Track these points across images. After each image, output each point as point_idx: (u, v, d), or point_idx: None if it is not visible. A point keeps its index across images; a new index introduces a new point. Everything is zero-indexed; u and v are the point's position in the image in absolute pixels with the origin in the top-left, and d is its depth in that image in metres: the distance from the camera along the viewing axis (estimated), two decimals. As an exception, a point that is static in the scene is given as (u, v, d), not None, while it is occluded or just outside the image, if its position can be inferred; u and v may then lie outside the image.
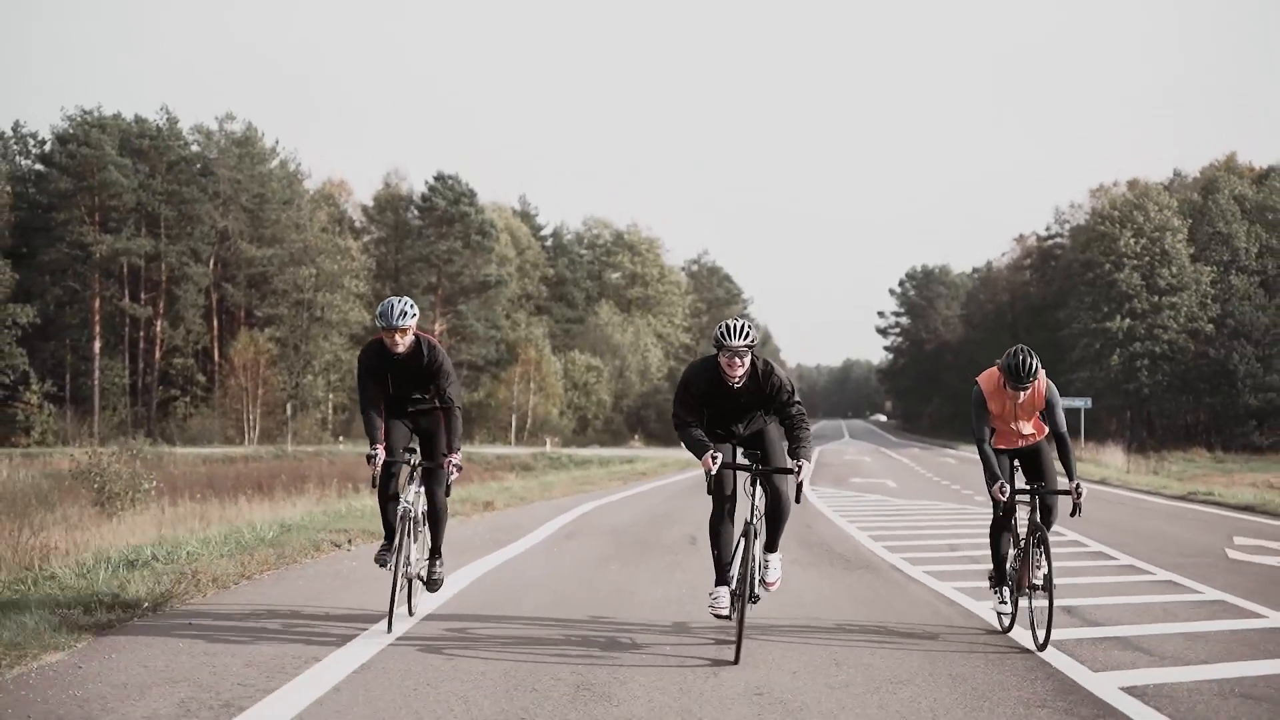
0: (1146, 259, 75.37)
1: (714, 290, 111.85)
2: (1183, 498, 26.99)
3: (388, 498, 8.29)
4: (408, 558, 8.25)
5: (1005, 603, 8.57)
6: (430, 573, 8.78)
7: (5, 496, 26.50)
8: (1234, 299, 74.27)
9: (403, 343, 8.17)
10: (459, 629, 8.39)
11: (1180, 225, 76.13)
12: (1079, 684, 7.03)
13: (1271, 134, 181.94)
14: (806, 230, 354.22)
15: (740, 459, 7.97)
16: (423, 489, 8.50)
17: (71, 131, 74.31)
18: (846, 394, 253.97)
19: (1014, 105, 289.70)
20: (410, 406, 8.52)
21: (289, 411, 68.93)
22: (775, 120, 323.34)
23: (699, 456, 7.64)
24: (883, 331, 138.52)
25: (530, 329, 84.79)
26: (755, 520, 7.77)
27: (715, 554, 7.83)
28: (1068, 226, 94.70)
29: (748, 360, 7.65)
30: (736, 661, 7.40)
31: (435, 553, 8.81)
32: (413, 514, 8.31)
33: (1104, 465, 47.95)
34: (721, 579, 7.77)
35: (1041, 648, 7.93)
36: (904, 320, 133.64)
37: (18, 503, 24.75)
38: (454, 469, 8.34)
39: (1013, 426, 8.55)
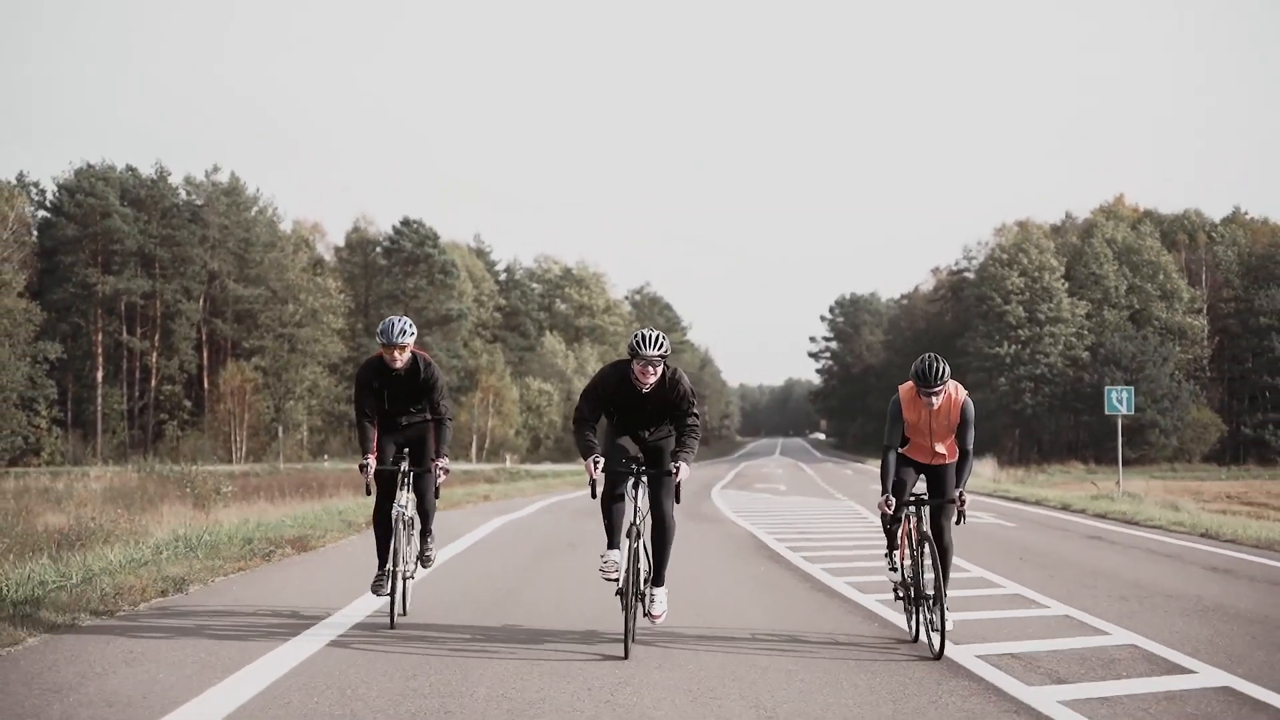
0: (1028, 295, 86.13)
1: (655, 319, 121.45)
2: (989, 494, 36.72)
3: (382, 512, 9.04)
4: (403, 558, 9.00)
5: (894, 568, 9.07)
6: (423, 550, 9.48)
7: (117, 500, 35.31)
8: (1106, 330, 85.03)
9: (401, 359, 8.82)
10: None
11: (1058, 265, 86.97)
12: (798, 565, 16.52)
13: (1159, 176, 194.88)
14: (756, 254, 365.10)
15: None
16: (413, 493, 9.20)
17: (76, 182, 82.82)
18: (788, 413, 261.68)
19: (953, 141, 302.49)
20: (403, 419, 9.14)
21: (280, 434, 77.64)
22: (722, 156, 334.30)
23: (584, 458, 8.10)
24: (814, 356, 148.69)
25: (491, 358, 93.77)
26: (639, 521, 8.14)
27: (606, 523, 8.27)
28: (974, 262, 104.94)
29: (660, 370, 8.07)
30: (626, 657, 7.83)
31: (426, 532, 9.47)
32: (406, 516, 8.97)
33: (974, 474, 58.03)
34: (612, 543, 8.21)
35: (938, 656, 8.07)
36: (833, 345, 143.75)
37: (132, 502, 33.52)
38: (441, 471, 9.10)
39: (927, 443, 8.70)
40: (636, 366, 8.03)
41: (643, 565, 8.21)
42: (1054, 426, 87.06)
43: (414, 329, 8.91)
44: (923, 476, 8.88)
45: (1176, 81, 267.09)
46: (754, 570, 13.82)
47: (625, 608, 7.99)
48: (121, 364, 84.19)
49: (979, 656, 8.16)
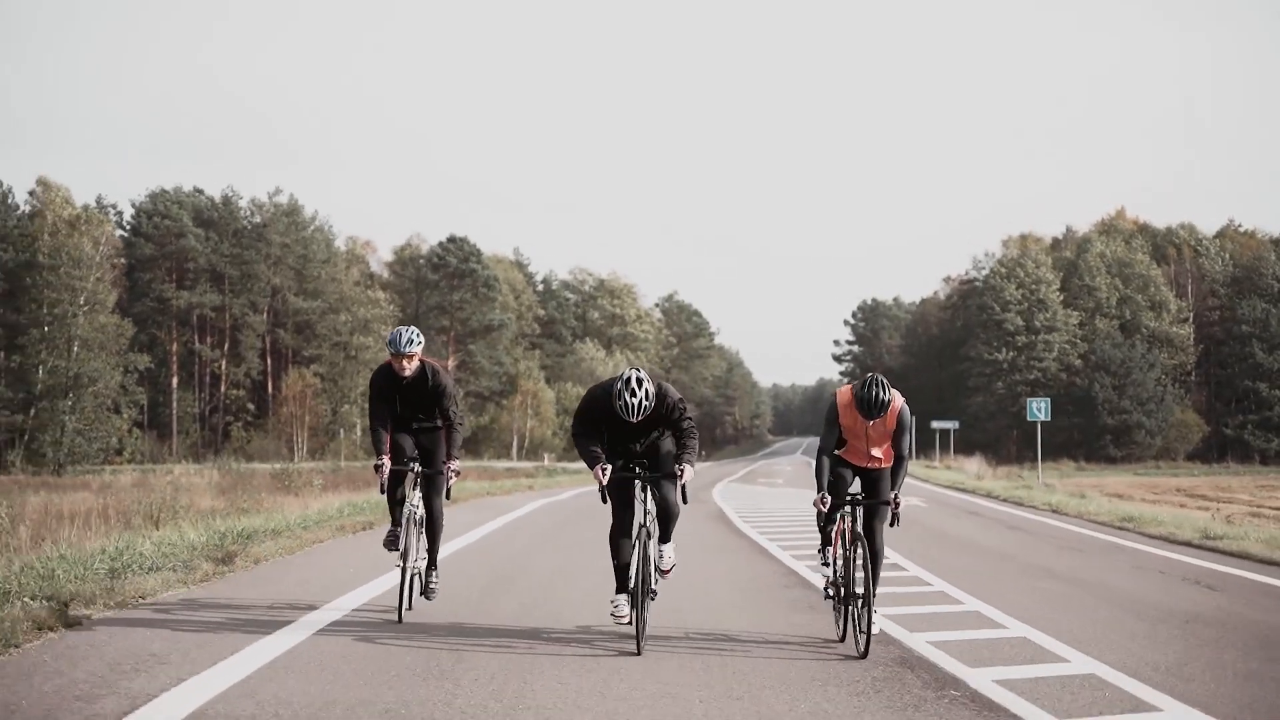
0: (1026, 305, 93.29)
1: (683, 325, 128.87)
2: (948, 486, 43.87)
3: (395, 501, 9.50)
4: (412, 555, 9.46)
5: (827, 564, 9.08)
6: (426, 582, 9.81)
7: (227, 494, 42.97)
8: (1097, 338, 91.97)
9: (409, 367, 9.21)
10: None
11: (1053, 278, 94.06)
12: (729, 522, 23.94)
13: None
14: (788, 256, 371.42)
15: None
16: (422, 496, 9.59)
17: (152, 205, 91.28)
18: (819, 413, 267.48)
19: (974, 142, 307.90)
20: (415, 424, 9.58)
21: (341, 435, 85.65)
22: (752, 163, 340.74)
23: (591, 467, 8.46)
24: (837, 359, 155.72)
25: (529, 364, 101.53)
26: (648, 523, 8.56)
27: (615, 563, 8.59)
28: (983, 271, 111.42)
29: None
30: (639, 653, 8.13)
31: (431, 564, 9.80)
32: (415, 515, 9.46)
33: (961, 471, 64.85)
34: (622, 587, 8.53)
35: (862, 655, 8.17)
36: (855, 349, 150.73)
37: (247, 491, 41.09)
38: (452, 474, 9.49)
39: (864, 447, 8.71)
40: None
41: (652, 556, 8.54)
42: (1049, 428, 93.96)
43: (421, 338, 9.33)
44: (858, 478, 8.90)
45: (1181, 83, 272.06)
46: (711, 529, 21.24)
47: (634, 606, 8.32)
48: (194, 371, 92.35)
49: (796, 557, 15.50)
